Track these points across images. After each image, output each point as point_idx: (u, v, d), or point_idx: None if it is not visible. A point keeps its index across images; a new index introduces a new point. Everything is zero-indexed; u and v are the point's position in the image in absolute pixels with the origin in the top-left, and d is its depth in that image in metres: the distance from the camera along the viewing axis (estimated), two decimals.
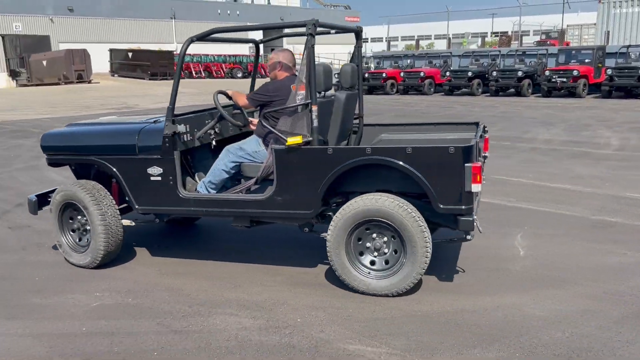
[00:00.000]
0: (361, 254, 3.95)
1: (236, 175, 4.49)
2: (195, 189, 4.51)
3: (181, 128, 4.34)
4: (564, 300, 3.77)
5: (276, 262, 4.67)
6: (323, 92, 4.37)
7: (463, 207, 3.66)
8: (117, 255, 4.66)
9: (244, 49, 50.91)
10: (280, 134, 4.03)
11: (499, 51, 26.39)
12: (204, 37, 4.31)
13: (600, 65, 21.11)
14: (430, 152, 3.69)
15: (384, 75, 25.50)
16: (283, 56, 4.48)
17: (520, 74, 21.71)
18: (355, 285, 3.90)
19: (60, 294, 4.12)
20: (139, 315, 3.72)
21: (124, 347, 3.32)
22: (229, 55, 44.24)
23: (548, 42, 39.57)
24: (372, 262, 3.94)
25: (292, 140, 3.89)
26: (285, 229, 5.27)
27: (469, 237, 3.86)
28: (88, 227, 4.49)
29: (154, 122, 4.54)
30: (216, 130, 4.80)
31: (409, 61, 27.71)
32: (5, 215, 6.28)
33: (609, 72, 19.57)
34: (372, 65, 29.57)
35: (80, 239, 4.62)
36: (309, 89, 3.88)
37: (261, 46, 5.48)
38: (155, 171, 4.33)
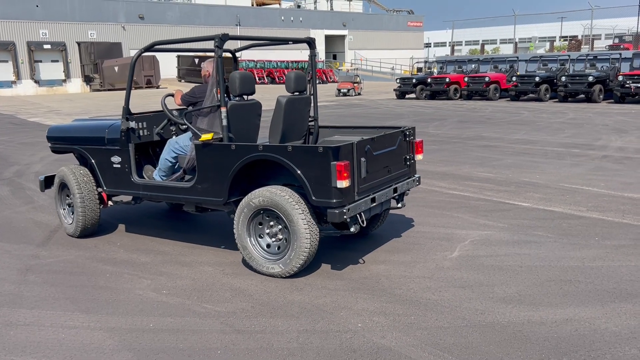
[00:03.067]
0: (260, 236, 4.50)
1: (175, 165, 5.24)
2: (153, 177, 5.33)
3: (133, 124, 5.18)
4: (638, 316, 3.58)
5: (337, 266, 4.67)
6: (246, 97, 4.87)
7: (333, 200, 4.11)
8: (137, 241, 4.81)
9: (307, 56, 51.09)
10: (196, 131, 4.74)
11: (569, 55, 25.46)
12: (149, 49, 5.14)
13: None
14: (304, 150, 4.24)
15: (447, 80, 25.12)
16: (211, 66, 5.08)
17: (591, 79, 20.86)
18: (252, 262, 4.48)
19: (130, 290, 4.29)
20: (204, 314, 3.82)
21: (189, 344, 3.42)
22: (292, 61, 44.81)
23: (621, 46, 37.79)
24: (268, 245, 4.47)
25: (204, 137, 4.56)
26: (347, 237, 5.26)
27: (352, 229, 4.30)
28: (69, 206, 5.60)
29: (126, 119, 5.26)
30: (180, 127, 5.53)
31: (473, 66, 27.16)
32: None
33: None
34: (435, 70, 29.16)
35: (69, 208, 5.62)
36: (219, 93, 4.50)
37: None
38: (116, 160, 5.25)
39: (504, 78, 24.49)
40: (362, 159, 4.28)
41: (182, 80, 40.51)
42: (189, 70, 40.44)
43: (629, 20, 53.20)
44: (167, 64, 39.40)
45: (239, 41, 5.05)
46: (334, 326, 3.59)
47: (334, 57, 55.25)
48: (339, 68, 47.45)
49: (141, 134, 5.34)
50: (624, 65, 22.38)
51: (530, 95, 23.14)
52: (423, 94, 25.94)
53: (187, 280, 4.44)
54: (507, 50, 55.15)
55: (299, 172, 4.18)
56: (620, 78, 20.22)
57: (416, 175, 5.17)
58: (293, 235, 4.22)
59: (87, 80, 38.03)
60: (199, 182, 4.67)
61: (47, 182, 5.87)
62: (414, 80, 26.86)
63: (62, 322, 3.75)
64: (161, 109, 5.40)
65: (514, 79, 23.46)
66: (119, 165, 5.23)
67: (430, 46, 68.37)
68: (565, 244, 5.02)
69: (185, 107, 5.20)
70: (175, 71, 41.27)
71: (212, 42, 4.56)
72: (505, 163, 9.14)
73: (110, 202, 5.56)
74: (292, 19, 51.57)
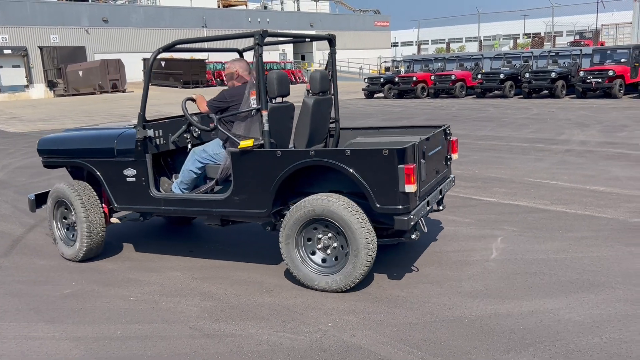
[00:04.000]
0: (309, 249, 4.17)
1: (201, 176, 4.80)
2: (171, 189, 4.84)
3: (151, 132, 4.68)
4: (601, 305, 3.67)
5: None
6: (281, 99, 4.56)
7: (399, 207, 3.83)
8: (136, 259, 4.75)
9: (275, 56, 51.27)
10: (234, 137, 4.35)
11: (532, 52, 25.99)
12: (168, 48, 4.67)
13: (637, 64, 20.56)
14: (366, 154, 3.88)
15: (414, 78, 25.38)
16: (239, 65, 4.77)
17: (553, 75, 21.32)
18: (304, 281, 4.13)
19: (96, 298, 4.21)
20: (172, 320, 3.78)
21: (158, 350, 3.37)
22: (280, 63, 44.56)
23: (582, 43, 38.73)
24: (318, 258, 4.15)
25: (244, 143, 4.16)
26: None
27: (413, 236, 3.99)
28: (71, 226, 5.00)
29: (134, 127, 4.78)
30: (194, 134, 5.13)
31: (439, 64, 27.50)
32: (43, 222, 6.45)
33: None
34: (403, 69, 29.44)
35: (68, 230, 5.09)
36: (259, 95, 4.13)
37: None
38: (130, 172, 4.70)
39: (469, 76, 24.86)
40: (422, 161, 4.07)
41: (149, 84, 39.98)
42: (156, 73, 39.97)
43: (588, 17, 54.58)
44: (133, 68, 38.87)
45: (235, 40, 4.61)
46: (304, 327, 3.59)
47: (302, 58, 55.28)
48: (308, 69, 47.50)
49: (158, 142, 4.82)
50: (585, 61, 22.92)
51: (496, 92, 23.54)
52: (391, 93, 26.16)
53: (155, 286, 4.39)
54: (472, 48, 55.98)
55: (359, 177, 3.86)
56: (581, 74, 20.71)
57: (452, 176, 4.98)
58: (352, 246, 3.89)
59: (51, 85, 37.24)
60: (236, 194, 4.26)
61: (39, 200, 5.27)
62: (381, 80, 27.07)
63: (26, 334, 3.66)
64: (180, 113, 5.02)
65: (479, 76, 23.84)
66: (133, 179, 4.69)
67: (397, 45, 68.91)
68: (530, 237, 5.11)
69: (213, 113, 4.66)
70: (141, 74, 40.70)
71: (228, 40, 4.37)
72: (471, 159, 9.28)
73: (113, 220, 5.06)
74: (259, 20, 51.41)
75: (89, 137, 5.05)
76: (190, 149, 4.97)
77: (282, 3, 57.64)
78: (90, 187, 4.95)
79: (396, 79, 25.99)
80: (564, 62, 23.11)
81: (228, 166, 4.38)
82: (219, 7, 52.42)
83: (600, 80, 19.96)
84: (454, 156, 4.85)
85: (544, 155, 9.34)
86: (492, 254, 4.74)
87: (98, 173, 4.86)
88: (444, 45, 53.28)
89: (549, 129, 12.69)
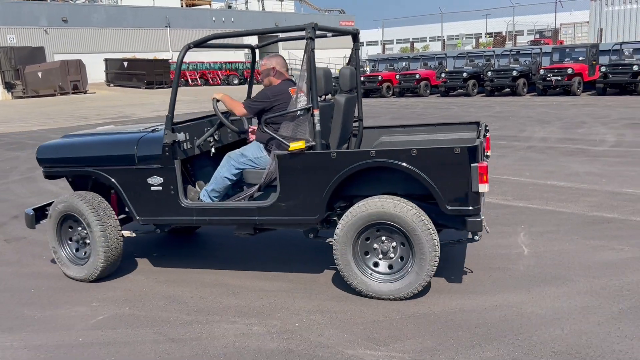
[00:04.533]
0: (366, 254, 3.90)
1: (238, 183, 4.44)
2: (198, 198, 4.43)
3: (181, 136, 4.28)
4: (562, 298, 3.75)
5: (274, 268, 4.65)
6: (323, 96, 4.35)
7: (470, 207, 3.64)
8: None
9: (240, 56, 50.92)
10: (282, 140, 3.98)
11: (494, 51, 26.46)
12: (201, 44, 4.27)
13: (594, 62, 21.15)
14: (435, 153, 3.67)
15: (379, 78, 25.54)
16: (276, 62, 4.47)
17: (515, 73, 21.75)
18: (362, 289, 3.86)
19: (56, 305, 4.10)
20: (136, 325, 3.70)
21: (121, 356, 3.30)
22: (225, 62, 44.30)
23: (542, 42, 39.63)
24: (376, 264, 3.90)
25: (295, 146, 3.86)
26: (280, 234, 5.25)
27: (476, 237, 3.82)
28: (88, 240, 4.42)
29: (152, 131, 4.45)
30: (215, 137, 4.75)
31: (404, 64, 27.75)
32: (1, 227, 6.26)
33: (603, 69, 19.61)
34: (368, 69, 29.61)
35: (77, 251, 4.54)
36: (310, 93, 3.85)
37: (257, 51, 5.45)
38: (155, 181, 4.26)
39: (433, 75, 25.16)
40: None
41: (111, 85, 39.30)
42: (117, 74, 39.28)
43: (548, 16, 55.90)
44: (95, 69, 38.10)
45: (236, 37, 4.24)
46: (271, 328, 3.56)
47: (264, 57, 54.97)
48: None
49: (185, 147, 4.38)
50: (545, 59, 23.46)
51: (459, 90, 23.88)
52: None
53: (118, 291, 4.29)
54: (436, 47, 56.70)
55: (426, 178, 3.65)
56: (541, 72, 21.18)
57: None
58: (417, 251, 3.70)
59: (9, 87, 36.12)
60: (283, 200, 3.96)
61: (38, 215, 4.76)
62: None
63: None
64: (210, 113, 4.67)
65: (443, 75, 24.15)
66: (159, 188, 4.25)
67: (362, 45, 69.31)
68: (494, 232, 5.19)
69: (251, 116, 4.38)
70: (103, 75, 39.94)
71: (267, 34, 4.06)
72: None
73: (126, 233, 4.55)
74: (223, 19, 51.00)
75: (103, 142, 4.55)
76: (214, 153, 4.71)
77: (246, 2, 57.34)
78: (102, 198, 4.48)
79: (362, 79, 26.05)
80: (524, 61, 23.61)
81: (273, 170, 4.07)
82: (182, 6, 51.80)
83: (559, 78, 20.45)
84: (488, 153, 4.61)
85: (507, 152, 9.51)
86: (456, 250, 4.80)
87: (116, 183, 4.36)
88: (409, 45, 53.83)
89: (511, 126, 12.93)
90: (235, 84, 42.59)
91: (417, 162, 3.66)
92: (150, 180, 4.27)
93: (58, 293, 4.32)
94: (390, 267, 3.88)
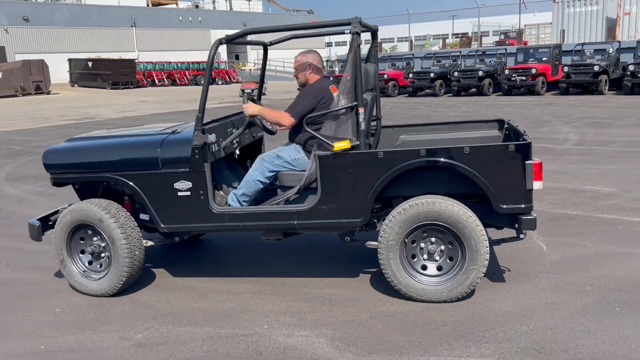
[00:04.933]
0: (413, 257, 3.81)
1: (267, 186, 4.27)
2: (226, 202, 4.21)
3: (212, 138, 4.00)
4: (528, 294, 3.81)
5: (242, 271, 4.61)
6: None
7: (524, 205, 3.61)
8: None
9: (205, 56, 50.25)
10: (325, 140, 3.82)
11: (460, 52, 26.83)
12: (234, 39, 4.07)
13: (557, 63, 21.64)
14: (489, 150, 3.61)
15: (348, 78, 25.59)
16: (312, 57, 4.27)
17: (481, 73, 22.09)
18: (411, 293, 3.75)
19: (17, 311, 3.98)
20: (101, 330, 3.62)
21: None
22: (193, 62, 43.86)
23: (507, 42, 40.34)
24: (424, 267, 3.79)
25: (340, 146, 3.72)
26: (249, 237, 5.21)
27: (522, 236, 3.77)
28: (104, 252, 4.13)
29: (173, 132, 4.19)
30: (237, 138, 4.54)
31: None
32: None
33: (566, 69, 20.07)
34: (337, 69, 29.69)
35: (91, 264, 4.20)
36: (355, 90, 3.74)
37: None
38: (183, 185, 3.99)
39: (401, 75, 25.36)
40: None
41: (76, 85, 38.50)
42: (82, 74, 38.51)
43: (512, 17, 56.99)
44: (58, 69, 37.28)
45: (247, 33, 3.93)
46: (240, 330, 3.53)
47: (237, 58, 54.71)
48: (242, 68, 47.09)
49: (214, 149, 4.10)
50: (510, 59, 23.91)
51: (427, 90, 24.13)
52: None
53: (82, 297, 4.19)
54: (403, 48, 57.21)
55: (479, 176, 3.57)
56: (506, 72, 21.57)
57: None
58: (470, 252, 3.60)
59: None
60: (324, 202, 3.79)
61: (44, 225, 4.41)
62: None
63: None
64: (234, 113, 4.42)
65: (410, 75, 24.37)
66: (187, 193, 3.98)
67: (331, 45, 69.44)
68: None
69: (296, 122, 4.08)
70: (66, 75, 39.10)
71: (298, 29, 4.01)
72: None
73: (144, 242, 4.21)
74: (190, 19, 50.49)
75: (122, 145, 4.22)
76: (237, 155, 4.50)
77: (214, 2, 56.87)
78: (119, 205, 4.16)
79: (331, 79, 26.13)
80: (490, 61, 24.00)
81: (314, 172, 3.88)
82: (148, 5, 51.09)
83: (524, 78, 20.85)
84: None
85: None
86: None
87: (137, 188, 4.05)
88: (308, 50, 54.40)
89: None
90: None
91: (469, 160, 3.58)
92: (177, 185, 3.99)
93: (19, 299, 4.20)
94: (439, 268, 3.77)
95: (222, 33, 53.65)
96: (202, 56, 47.23)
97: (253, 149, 4.99)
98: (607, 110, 15.12)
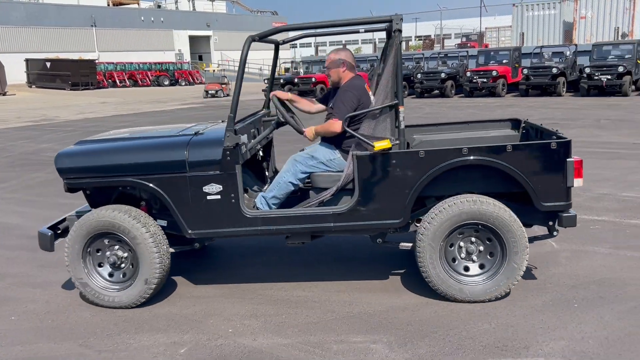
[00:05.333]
0: (454, 260, 3.77)
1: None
2: (254, 206, 4.07)
3: (244, 138, 3.92)
4: None
5: (206, 275, 4.55)
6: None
7: (564, 203, 3.65)
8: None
9: (171, 56, 49.86)
10: (366, 140, 3.73)
11: (423, 54, 27.16)
12: (266, 36, 3.97)
13: (517, 65, 22.14)
14: (531, 149, 3.64)
15: (313, 79, 25.66)
16: (346, 55, 4.17)
17: (443, 75, 22.42)
18: (451, 293, 3.71)
19: None
20: (60, 338, 3.52)
21: None
22: (155, 63, 43.22)
23: (468, 45, 41.08)
24: (467, 268, 3.77)
25: (380, 145, 3.63)
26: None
27: (555, 233, 3.83)
28: (124, 263, 3.94)
29: (195, 133, 4.00)
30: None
31: (305, 66, 28.04)
32: None
33: (525, 71, 20.54)
34: (302, 70, 29.70)
35: (112, 276, 3.97)
36: (396, 88, 3.69)
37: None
38: (213, 189, 3.81)
39: (366, 77, 25.47)
40: None
41: (33, 86, 37.45)
42: (40, 75, 37.50)
43: (473, 20, 58.05)
44: (15, 69, 36.20)
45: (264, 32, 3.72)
46: (204, 335, 3.48)
47: (200, 58, 54.20)
48: (206, 69, 46.64)
49: (243, 150, 3.94)
50: (471, 62, 24.34)
51: None
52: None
53: (39, 304, 4.07)
54: (367, 50, 57.63)
55: (521, 174, 3.58)
56: (468, 74, 21.94)
57: None
58: (511, 251, 3.61)
59: None
60: (362, 204, 3.72)
61: (57, 233, 4.16)
62: (281, 81, 27.15)
63: None
64: (252, 112, 4.26)
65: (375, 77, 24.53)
66: (217, 197, 3.80)
67: (296, 47, 69.46)
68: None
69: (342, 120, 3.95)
70: (24, 76, 38.00)
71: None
72: None
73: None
74: (152, 19, 49.75)
75: (145, 147, 4.00)
76: (260, 156, 4.38)
77: (176, 2, 56.18)
78: (141, 211, 3.94)
79: (296, 80, 26.17)
80: (452, 63, 24.38)
81: (351, 172, 3.80)
82: (109, 5, 50.13)
83: (485, 80, 21.24)
84: None
85: None
86: (386, 250, 4.86)
87: (162, 193, 3.84)
88: (341, 47, 54.61)
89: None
90: (166, 85, 41.64)
91: (511, 158, 3.59)
92: (206, 189, 3.82)
93: None
94: (482, 266, 3.76)
95: (184, 34, 53.14)
96: (165, 57, 46.67)
97: (264, 150, 4.80)
98: (565, 111, 15.54)
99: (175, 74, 43.51)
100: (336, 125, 3.91)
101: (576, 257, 4.50)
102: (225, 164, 3.78)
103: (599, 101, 17.88)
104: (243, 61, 3.78)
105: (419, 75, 22.91)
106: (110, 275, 3.97)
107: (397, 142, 3.69)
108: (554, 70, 19.94)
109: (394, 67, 3.69)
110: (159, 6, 54.44)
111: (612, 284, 3.94)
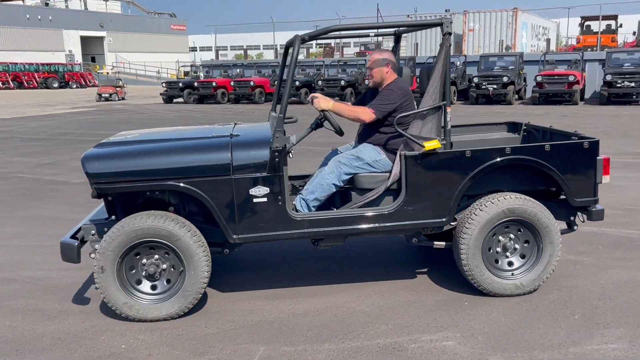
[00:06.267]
0: (496, 259, 3.91)
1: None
2: (293, 208, 3.94)
3: (293, 139, 3.79)
4: (386, 294, 3.98)
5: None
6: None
7: (593, 198, 3.90)
8: None
9: (60, 57, 47.22)
10: (416, 140, 3.75)
11: (323, 61, 27.65)
12: (317, 36, 3.84)
13: (412, 74, 23.06)
14: (566, 148, 3.85)
15: (214, 84, 25.29)
16: (389, 55, 4.15)
17: (343, 83, 22.93)
18: (495, 289, 3.84)
19: None
20: None
21: None
22: (43, 64, 40.64)
23: (366, 53, 42.29)
24: (511, 263, 3.92)
25: (430, 145, 3.69)
26: None
27: (575, 227, 4.09)
28: (161, 274, 3.69)
29: (230, 135, 3.82)
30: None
31: (238, 70, 27.81)
32: None
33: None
34: (202, 74, 29.17)
35: (155, 289, 3.71)
36: (443, 89, 3.75)
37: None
38: (260, 191, 3.68)
39: (268, 82, 25.54)
40: None
41: None
42: None
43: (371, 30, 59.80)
44: None
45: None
46: (94, 352, 3.28)
47: (93, 60, 51.66)
48: (99, 71, 44.48)
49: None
50: None
51: (293, 98, 24.53)
52: (191, 98, 25.77)
53: None
54: (269, 55, 57.74)
55: (557, 172, 3.79)
56: (366, 82, 22.54)
57: None
58: (546, 247, 3.82)
59: None
60: (409, 203, 3.75)
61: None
62: (180, 84, 26.53)
63: None
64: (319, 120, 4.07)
65: (276, 83, 24.58)
66: (264, 199, 3.67)
67: (196, 50, 68.08)
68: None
69: (378, 119, 3.98)
70: None
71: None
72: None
73: None
74: (39, 17, 46.78)
75: (184, 149, 3.78)
76: (291, 156, 4.11)
77: (66, 0, 53.19)
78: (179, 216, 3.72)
79: (195, 84, 25.67)
80: (351, 71, 25.01)
81: (398, 172, 3.80)
82: None
83: None
84: None
85: None
86: (283, 255, 4.87)
87: (207, 197, 3.63)
88: (242, 52, 54.20)
89: (346, 134, 13.51)
90: (55, 87, 39.29)
91: (550, 157, 3.78)
92: (253, 192, 3.67)
93: None
94: (522, 256, 3.92)
95: (76, 34, 50.39)
96: (54, 58, 43.99)
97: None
98: (455, 118, 16.32)
99: (66, 76, 41.18)
100: (366, 115, 3.94)
101: None
102: (274, 165, 3.67)
103: (486, 109, 19.07)
104: (294, 61, 3.70)
105: (319, 82, 23.26)
106: (154, 287, 3.71)
107: (444, 142, 3.79)
108: None
109: (442, 69, 3.74)
110: (47, 4, 51.29)
111: None
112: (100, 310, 3.85)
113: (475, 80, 20.35)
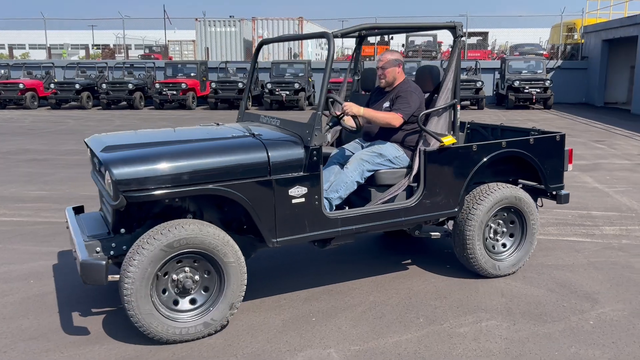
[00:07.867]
0: (486, 240, 4.23)
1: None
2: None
3: (328, 137, 3.91)
4: (229, 321, 3.59)
5: None
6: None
7: (562, 184, 4.45)
8: None
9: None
10: (435, 136, 3.92)
11: (106, 63, 25.65)
12: (348, 34, 3.87)
13: (204, 79, 22.60)
14: (545, 141, 4.34)
15: (21, 85, 21.72)
16: (399, 56, 4.34)
17: (131, 86, 21.45)
18: (492, 272, 4.22)
19: None
20: None
21: None
22: None
23: (152, 56, 40.45)
24: (505, 245, 4.33)
25: (448, 141, 3.91)
26: None
27: (539, 206, 4.61)
28: (193, 288, 3.35)
29: (254, 135, 3.60)
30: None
31: (3, 71, 24.29)
32: None
33: (213, 85, 21.10)
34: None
35: (177, 304, 3.33)
36: (454, 89, 4.01)
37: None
38: (298, 192, 3.53)
39: (41, 85, 22.75)
40: None
41: None
42: None
43: (156, 32, 57.62)
44: None
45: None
46: None
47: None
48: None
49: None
50: (159, 73, 23.93)
51: (72, 103, 22.24)
52: None
53: None
54: (38, 55, 51.93)
55: (537, 162, 4.27)
56: (157, 86, 21.43)
57: None
58: (529, 230, 4.31)
59: None
60: (427, 197, 3.93)
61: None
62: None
63: None
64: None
65: (52, 86, 22.04)
66: (302, 200, 3.52)
67: (4, 48, 58.35)
68: None
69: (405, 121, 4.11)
70: None
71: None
72: (58, 177, 8.31)
73: None
74: None
75: (221, 150, 3.43)
76: (332, 155, 4.26)
77: None
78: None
79: None
80: (139, 74, 23.57)
81: (416, 168, 3.96)
82: None
83: (175, 92, 21.05)
84: None
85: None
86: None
87: (247, 200, 3.36)
88: (6, 51, 47.87)
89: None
90: None
91: (533, 149, 4.24)
92: (292, 192, 3.50)
93: None
94: (511, 235, 4.34)
95: None
96: None
97: None
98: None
99: None
100: (398, 120, 4.05)
101: (293, 268, 4.56)
102: (312, 164, 3.56)
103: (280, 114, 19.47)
104: (331, 58, 3.54)
105: (104, 86, 21.44)
106: (193, 301, 3.36)
107: (456, 137, 4.04)
108: (240, 85, 20.97)
109: (455, 69, 4.00)
110: None
111: (339, 291, 4.08)
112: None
113: (269, 86, 20.65)
